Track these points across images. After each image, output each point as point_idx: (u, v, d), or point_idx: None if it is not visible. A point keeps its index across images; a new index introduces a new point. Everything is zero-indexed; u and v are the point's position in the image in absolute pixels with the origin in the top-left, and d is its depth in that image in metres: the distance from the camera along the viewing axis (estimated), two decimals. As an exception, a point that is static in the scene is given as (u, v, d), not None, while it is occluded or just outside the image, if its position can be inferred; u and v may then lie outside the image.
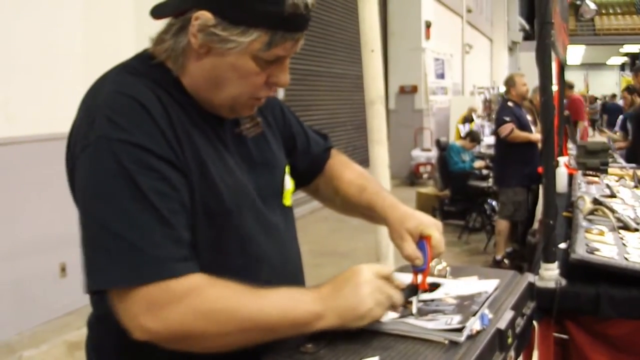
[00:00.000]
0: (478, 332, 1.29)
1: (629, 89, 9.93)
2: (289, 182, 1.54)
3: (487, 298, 1.43)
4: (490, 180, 8.54)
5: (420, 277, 1.44)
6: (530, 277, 1.64)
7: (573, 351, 2.43)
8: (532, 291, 1.61)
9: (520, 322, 1.47)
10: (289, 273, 1.50)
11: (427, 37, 14.68)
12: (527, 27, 31.99)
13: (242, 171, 1.40)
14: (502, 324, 1.33)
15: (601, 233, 2.88)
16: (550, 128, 2.46)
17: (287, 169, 1.56)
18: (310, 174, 1.71)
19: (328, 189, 1.71)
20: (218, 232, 1.32)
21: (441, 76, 15.90)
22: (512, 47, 30.10)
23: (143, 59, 1.37)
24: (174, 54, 1.32)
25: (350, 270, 1.29)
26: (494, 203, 8.55)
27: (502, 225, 7.12)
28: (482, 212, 8.46)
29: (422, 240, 1.48)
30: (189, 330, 1.18)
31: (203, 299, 1.18)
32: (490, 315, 1.36)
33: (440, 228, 1.52)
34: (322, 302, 1.25)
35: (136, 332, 1.18)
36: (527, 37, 31.88)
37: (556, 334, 2.43)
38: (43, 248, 5.06)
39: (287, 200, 1.54)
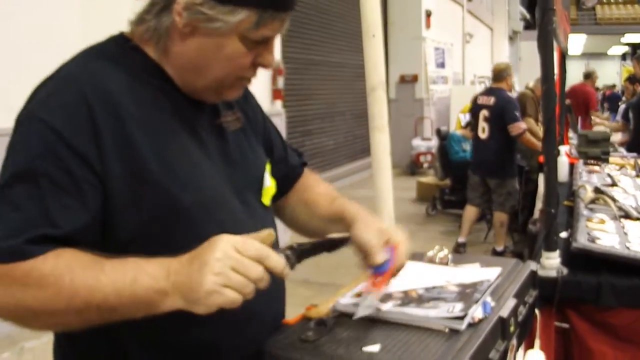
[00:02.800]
0: (480, 320, 1.28)
1: (631, 79, 9.89)
2: (268, 180, 1.48)
3: (489, 286, 1.43)
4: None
5: (377, 278, 1.34)
6: (532, 266, 1.63)
7: (574, 340, 2.44)
8: (534, 279, 1.60)
9: (522, 310, 1.46)
10: None
11: (428, 26, 14.61)
12: (528, 16, 31.85)
13: (215, 164, 1.34)
14: (505, 312, 1.32)
15: (602, 222, 2.87)
16: (552, 116, 2.45)
17: (267, 167, 1.50)
18: (283, 185, 1.60)
19: (297, 203, 1.63)
20: (178, 228, 1.24)
21: (442, 65, 15.85)
22: (513, 37, 30.00)
23: (119, 41, 1.32)
24: (156, 34, 1.27)
25: (209, 241, 1.12)
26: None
27: (503, 217, 6.99)
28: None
29: (390, 247, 1.37)
30: (13, 304, 1.11)
31: (30, 272, 1.09)
32: (493, 303, 1.36)
33: (407, 247, 1.42)
34: (168, 277, 1.10)
35: None
36: (528, 26, 31.78)
37: (557, 323, 2.43)
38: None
39: (267, 200, 1.47)
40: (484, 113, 6.95)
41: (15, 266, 1.09)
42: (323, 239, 1.41)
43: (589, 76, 11.70)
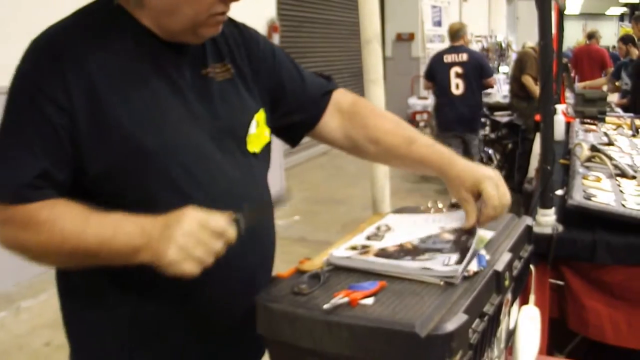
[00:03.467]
0: (475, 273, 1.27)
1: (624, 39, 9.81)
2: (254, 128, 1.50)
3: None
4: (487, 128, 8.49)
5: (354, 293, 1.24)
6: (528, 220, 1.61)
7: (569, 297, 2.44)
8: (530, 234, 1.58)
9: (517, 264, 1.44)
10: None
11: (425, -17, 14.49)
12: (526, -26, 31.52)
13: (191, 111, 1.39)
14: (500, 266, 1.31)
15: (598, 179, 2.86)
16: (549, 73, 2.42)
17: (259, 116, 1.52)
18: (311, 117, 1.65)
19: (359, 136, 1.64)
20: (143, 171, 1.32)
21: (438, 24, 15.73)
22: (511, -4, 29.72)
23: (102, 2, 1.39)
24: None
25: (178, 213, 1.24)
26: (490, 151, 8.52)
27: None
28: (479, 160, 8.41)
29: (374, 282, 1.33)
30: (13, 245, 1.31)
31: (31, 218, 1.27)
32: (488, 257, 1.34)
33: (497, 180, 1.48)
34: (143, 237, 1.24)
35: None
36: (526, -15, 31.45)
37: (552, 280, 2.43)
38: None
39: (253, 146, 1.50)
40: (455, 70, 7.18)
41: (18, 209, 1.26)
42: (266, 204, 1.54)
43: (592, 36, 11.69)
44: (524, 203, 5.26)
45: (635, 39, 9.04)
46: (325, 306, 1.14)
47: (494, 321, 1.27)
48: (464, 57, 7.24)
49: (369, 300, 1.16)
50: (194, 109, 1.39)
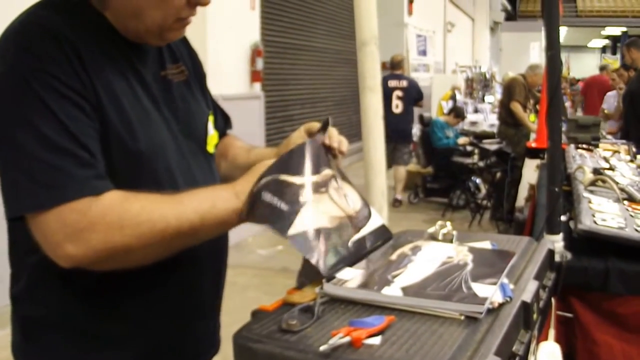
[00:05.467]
0: (500, 305, 1.06)
1: (625, 66, 9.76)
2: (212, 129, 1.54)
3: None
4: (475, 157, 8.42)
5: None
6: (549, 244, 1.41)
7: (578, 330, 2.28)
8: (552, 260, 1.38)
9: (542, 295, 1.24)
10: None
11: (410, 12, 14.55)
12: (509, 7, 31.87)
13: (161, 113, 1.38)
14: (527, 297, 1.11)
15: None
16: (557, 85, 2.25)
17: (211, 117, 1.56)
18: None
19: (219, 158, 1.68)
20: (133, 172, 1.29)
21: (423, 53, 15.80)
22: (494, 27, 29.97)
23: None
24: None
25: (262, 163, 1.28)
26: (477, 181, 8.45)
27: (404, 170, 9.07)
28: (466, 189, 8.31)
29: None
30: (112, 248, 1.17)
31: (122, 214, 1.17)
32: (512, 286, 1.13)
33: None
34: (238, 198, 1.24)
35: (61, 260, 1.17)
36: (509, 17, 31.80)
37: (560, 312, 2.28)
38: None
39: (211, 147, 1.53)
40: (397, 93, 9.06)
41: (100, 203, 1.16)
42: None
43: (604, 68, 12.65)
44: (515, 233, 5.12)
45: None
46: (322, 347, 0.94)
47: (524, 363, 1.06)
48: (404, 83, 9.16)
49: (376, 340, 0.96)
50: (162, 110, 1.39)
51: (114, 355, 1.36)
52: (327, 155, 1.39)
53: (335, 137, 1.44)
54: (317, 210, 1.26)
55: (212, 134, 1.54)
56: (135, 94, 1.32)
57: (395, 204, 8.80)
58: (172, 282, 1.39)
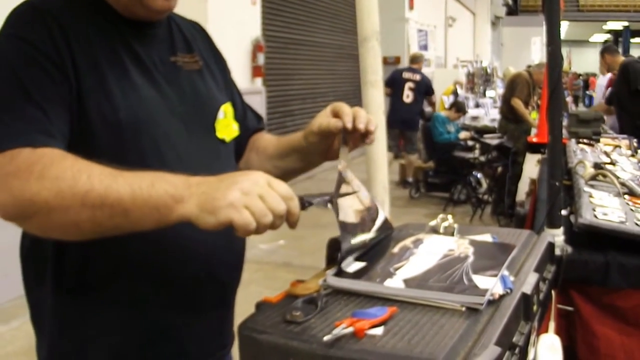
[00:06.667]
0: (500, 297, 1.07)
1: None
2: (222, 114, 1.51)
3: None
4: (476, 151, 8.40)
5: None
6: (549, 237, 1.42)
7: (578, 323, 2.28)
8: (552, 253, 1.40)
9: (543, 287, 1.25)
10: None
11: (411, 7, 14.51)
12: (510, 1, 31.78)
13: (160, 92, 1.39)
14: (527, 289, 1.12)
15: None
16: (558, 80, 2.25)
17: (226, 107, 1.53)
18: (239, 147, 1.65)
19: (249, 154, 1.69)
20: (116, 145, 1.29)
21: (424, 48, 15.76)
22: (495, 22, 29.90)
23: None
24: None
25: (245, 171, 1.18)
26: (479, 175, 8.43)
27: (414, 158, 9.49)
28: (467, 184, 8.30)
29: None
30: (30, 199, 1.12)
31: (48, 165, 1.13)
32: (512, 278, 1.15)
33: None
34: (188, 187, 1.10)
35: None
36: (510, 12, 31.71)
37: (560, 306, 2.27)
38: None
39: (222, 133, 1.50)
40: (409, 85, 9.63)
41: (36, 153, 1.14)
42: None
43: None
44: (516, 227, 5.13)
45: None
46: (326, 338, 0.95)
47: (524, 354, 1.07)
48: (417, 77, 9.74)
49: (378, 330, 0.97)
50: (162, 90, 1.39)
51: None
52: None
53: (361, 118, 1.40)
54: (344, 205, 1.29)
55: (222, 118, 1.51)
56: (124, 68, 1.33)
57: (405, 185, 9.57)
58: (186, 274, 1.37)
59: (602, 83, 9.52)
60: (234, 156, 1.58)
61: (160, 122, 1.35)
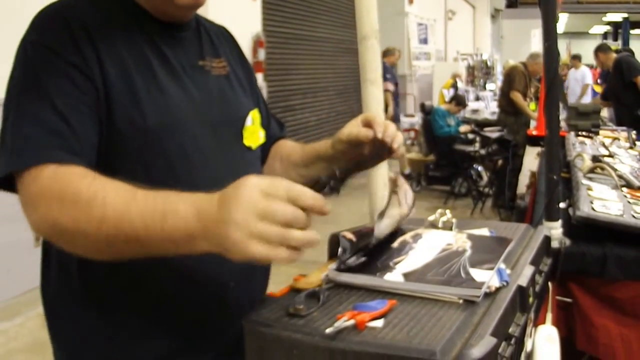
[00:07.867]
0: (497, 290, 1.11)
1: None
2: (250, 120, 1.49)
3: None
4: (477, 144, 8.43)
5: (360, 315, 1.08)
6: (545, 231, 1.46)
7: (577, 314, 2.33)
8: (548, 246, 1.43)
9: (538, 279, 1.28)
10: None
11: (411, 1, 14.49)
12: (509, -6, 31.70)
13: (188, 96, 1.36)
14: (523, 281, 1.15)
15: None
16: (555, 76, 2.28)
17: (254, 114, 1.52)
18: (262, 154, 1.63)
19: (272, 162, 1.66)
20: (143, 150, 1.27)
21: (424, 41, 15.75)
22: (495, 15, 29.83)
23: None
24: None
25: (235, 184, 1.01)
26: (479, 168, 8.45)
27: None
28: (468, 177, 8.33)
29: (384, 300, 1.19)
30: (54, 224, 1.11)
31: (67, 191, 1.11)
32: (508, 271, 1.18)
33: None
34: (199, 220, 1.02)
35: (30, 225, 1.16)
36: (510, 4, 31.64)
37: (559, 297, 2.31)
38: (16, 216, 4.83)
39: (249, 141, 1.48)
40: None
41: (56, 173, 1.13)
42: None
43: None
44: (517, 220, 5.15)
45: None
46: (328, 330, 0.98)
47: (520, 344, 1.11)
48: None
49: (379, 323, 1.01)
50: (191, 94, 1.37)
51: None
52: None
53: (390, 132, 1.38)
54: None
55: (250, 125, 1.49)
56: (152, 71, 1.32)
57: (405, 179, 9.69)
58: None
59: (575, 77, 9.89)
60: (259, 163, 1.57)
61: (189, 127, 1.33)
